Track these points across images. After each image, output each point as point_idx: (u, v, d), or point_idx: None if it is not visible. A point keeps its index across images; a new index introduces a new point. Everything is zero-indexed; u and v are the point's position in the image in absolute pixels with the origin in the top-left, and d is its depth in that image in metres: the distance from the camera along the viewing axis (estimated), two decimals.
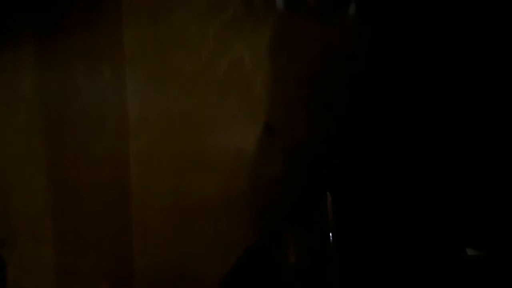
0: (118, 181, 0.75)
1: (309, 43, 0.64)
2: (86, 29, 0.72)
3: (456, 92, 0.53)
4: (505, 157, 0.53)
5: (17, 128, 0.73)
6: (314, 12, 0.56)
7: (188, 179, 0.75)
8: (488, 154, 0.54)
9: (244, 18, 0.71)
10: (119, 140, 0.75)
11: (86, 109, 0.74)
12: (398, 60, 0.52)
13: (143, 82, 0.74)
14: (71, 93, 0.73)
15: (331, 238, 0.60)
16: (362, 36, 0.57)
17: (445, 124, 0.55)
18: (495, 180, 0.54)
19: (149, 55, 0.74)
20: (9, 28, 0.72)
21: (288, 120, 0.68)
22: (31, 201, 0.74)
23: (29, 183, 0.74)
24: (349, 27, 0.59)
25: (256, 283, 0.65)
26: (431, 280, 0.55)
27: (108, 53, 0.74)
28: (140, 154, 0.75)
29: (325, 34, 0.63)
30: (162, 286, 0.75)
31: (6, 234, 0.73)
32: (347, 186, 0.59)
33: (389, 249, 0.57)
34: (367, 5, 0.54)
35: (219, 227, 0.74)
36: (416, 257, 0.56)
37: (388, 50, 0.52)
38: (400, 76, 0.52)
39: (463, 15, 0.50)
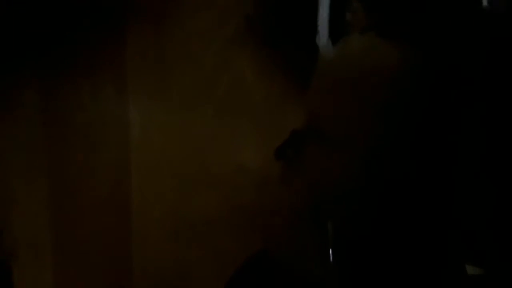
0: (119, 195, 0.75)
1: None
2: (91, 48, 0.72)
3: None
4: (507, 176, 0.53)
5: (20, 142, 0.73)
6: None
7: (189, 193, 0.75)
8: (490, 174, 0.55)
9: (246, 35, 0.71)
10: (120, 154, 0.75)
11: (89, 123, 0.74)
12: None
13: (145, 97, 0.74)
14: (75, 108, 0.74)
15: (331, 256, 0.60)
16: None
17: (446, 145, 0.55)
18: (497, 200, 0.54)
19: (152, 70, 0.74)
20: (15, 44, 0.72)
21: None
22: (32, 214, 0.74)
23: (31, 196, 0.74)
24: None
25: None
26: None
27: (111, 69, 0.74)
28: (140, 168, 0.75)
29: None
30: None
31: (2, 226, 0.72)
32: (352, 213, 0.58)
33: (389, 265, 0.57)
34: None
35: (219, 241, 0.74)
36: (417, 274, 0.56)
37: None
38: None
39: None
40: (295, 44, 0.63)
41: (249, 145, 0.73)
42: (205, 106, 0.74)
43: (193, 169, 0.75)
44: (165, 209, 0.75)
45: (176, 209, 0.75)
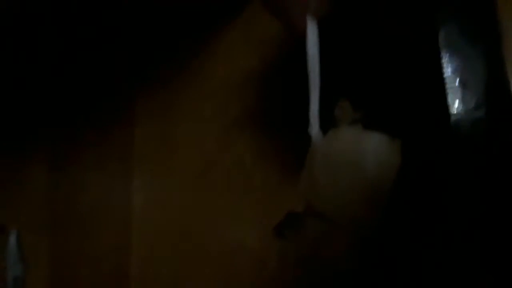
0: (119, 276, 0.77)
1: None
2: (100, 130, 0.78)
3: None
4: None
5: (24, 222, 0.75)
6: None
7: (188, 272, 0.77)
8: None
9: (245, 122, 0.77)
10: (122, 235, 0.78)
11: (94, 203, 0.77)
12: None
13: (149, 178, 0.79)
14: (79, 188, 0.77)
15: None
16: None
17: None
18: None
19: (157, 152, 0.79)
20: (27, 125, 0.77)
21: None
22: None
23: (32, 278, 0.75)
24: None
25: None
26: None
27: (118, 151, 0.79)
28: (141, 248, 0.78)
29: None
30: None
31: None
32: None
33: None
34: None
35: None
36: None
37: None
38: None
39: None
40: (291, 133, 0.68)
41: (248, 224, 0.76)
42: (206, 188, 0.78)
43: (193, 248, 0.77)
44: (164, 286, 0.77)
45: (175, 286, 0.76)
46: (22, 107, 0.78)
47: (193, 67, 0.79)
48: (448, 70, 0.53)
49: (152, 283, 0.76)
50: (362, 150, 0.56)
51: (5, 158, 0.76)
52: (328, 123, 0.58)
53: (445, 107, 0.53)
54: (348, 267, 0.59)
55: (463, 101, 0.53)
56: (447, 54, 0.53)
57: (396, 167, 0.55)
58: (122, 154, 0.79)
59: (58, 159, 0.79)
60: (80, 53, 0.79)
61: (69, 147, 0.78)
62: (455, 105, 0.53)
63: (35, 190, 0.77)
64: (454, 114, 0.53)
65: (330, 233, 0.58)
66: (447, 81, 0.53)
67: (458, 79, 0.53)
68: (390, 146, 0.56)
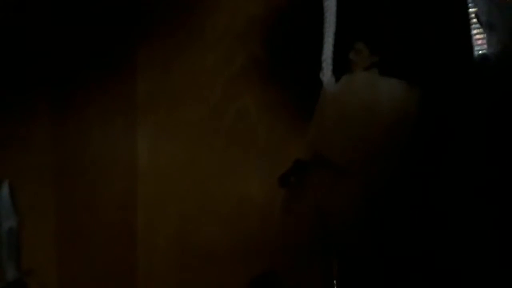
0: (126, 225, 0.77)
1: None
2: (102, 83, 0.76)
3: None
4: None
5: (30, 175, 0.75)
6: None
7: (194, 224, 0.77)
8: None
9: (251, 71, 0.75)
10: (128, 185, 0.77)
11: (98, 156, 0.76)
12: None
13: (153, 130, 0.77)
14: (84, 142, 0.76)
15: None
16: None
17: None
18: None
19: (160, 104, 0.77)
20: (28, 80, 0.75)
21: None
22: (39, 244, 0.75)
23: (38, 227, 0.75)
24: None
25: None
26: None
27: (122, 104, 0.77)
28: (147, 199, 0.77)
29: None
30: None
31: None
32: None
33: None
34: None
35: (224, 271, 0.75)
36: None
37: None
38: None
39: None
40: (300, 79, 0.66)
41: (254, 175, 0.75)
42: (210, 139, 0.76)
43: (198, 200, 0.76)
44: (171, 239, 0.77)
45: (182, 239, 0.76)
46: (23, 62, 0.75)
47: (195, 17, 0.76)
48: (474, 12, 0.51)
49: (158, 232, 0.76)
50: (378, 96, 0.53)
51: (9, 113, 0.74)
52: (340, 68, 0.56)
53: (470, 51, 0.50)
54: (355, 220, 0.57)
55: (489, 44, 0.50)
56: None
57: (413, 117, 0.53)
58: (125, 107, 0.77)
59: (61, 113, 0.77)
60: (82, 7, 0.76)
61: (71, 100, 0.76)
62: (481, 49, 0.51)
63: (40, 144, 0.76)
64: (479, 58, 0.51)
65: (339, 182, 0.57)
66: (472, 23, 0.51)
67: (484, 22, 0.50)
68: (407, 94, 0.53)
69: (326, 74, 0.56)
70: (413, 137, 0.52)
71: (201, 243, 0.75)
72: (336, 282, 0.61)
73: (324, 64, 0.56)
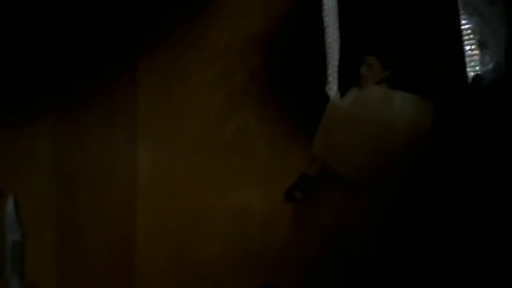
0: (124, 241, 0.77)
1: None
2: (103, 96, 0.76)
3: None
4: None
5: (30, 188, 0.74)
6: None
7: (193, 238, 0.77)
8: None
9: (250, 87, 0.76)
10: (127, 200, 0.77)
11: (99, 170, 0.76)
12: None
13: (154, 144, 0.78)
14: (85, 155, 0.76)
15: None
16: None
17: None
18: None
19: (161, 119, 0.78)
20: (28, 93, 0.75)
21: None
22: (37, 257, 0.74)
23: (37, 240, 0.74)
24: None
25: None
26: None
27: (122, 117, 0.77)
28: (147, 214, 0.77)
29: None
30: None
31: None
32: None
33: None
34: None
35: (224, 285, 0.75)
36: None
37: None
38: None
39: None
40: (299, 94, 0.67)
41: (254, 189, 0.76)
42: (211, 152, 0.77)
43: (198, 213, 0.77)
44: (169, 252, 0.77)
45: (181, 252, 0.77)
46: (25, 69, 0.76)
47: (196, 31, 0.78)
48: (466, 31, 0.53)
49: (157, 246, 0.76)
50: (392, 109, 0.54)
51: (9, 121, 0.74)
52: (344, 83, 0.57)
53: (463, 68, 0.52)
54: (373, 235, 0.55)
55: (482, 62, 0.52)
56: (466, 15, 0.53)
57: (427, 130, 0.53)
58: (126, 120, 0.78)
59: (62, 123, 0.77)
60: (83, 15, 0.76)
61: (73, 110, 0.76)
62: (474, 66, 0.53)
63: (40, 157, 0.76)
64: (473, 76, 0.52)
65: (355, 198, 0.56)
66: (466, 42, 0.53)
67: (476, 40, 0.53)
68: (421, 107, 0.54)
69: (332, 87, 0.58)
70: (429, 150, 0.52)
71: (200, 258, 0.76)
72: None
73: (329, 78, 0.57)
